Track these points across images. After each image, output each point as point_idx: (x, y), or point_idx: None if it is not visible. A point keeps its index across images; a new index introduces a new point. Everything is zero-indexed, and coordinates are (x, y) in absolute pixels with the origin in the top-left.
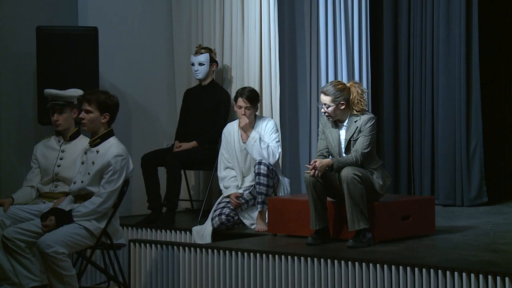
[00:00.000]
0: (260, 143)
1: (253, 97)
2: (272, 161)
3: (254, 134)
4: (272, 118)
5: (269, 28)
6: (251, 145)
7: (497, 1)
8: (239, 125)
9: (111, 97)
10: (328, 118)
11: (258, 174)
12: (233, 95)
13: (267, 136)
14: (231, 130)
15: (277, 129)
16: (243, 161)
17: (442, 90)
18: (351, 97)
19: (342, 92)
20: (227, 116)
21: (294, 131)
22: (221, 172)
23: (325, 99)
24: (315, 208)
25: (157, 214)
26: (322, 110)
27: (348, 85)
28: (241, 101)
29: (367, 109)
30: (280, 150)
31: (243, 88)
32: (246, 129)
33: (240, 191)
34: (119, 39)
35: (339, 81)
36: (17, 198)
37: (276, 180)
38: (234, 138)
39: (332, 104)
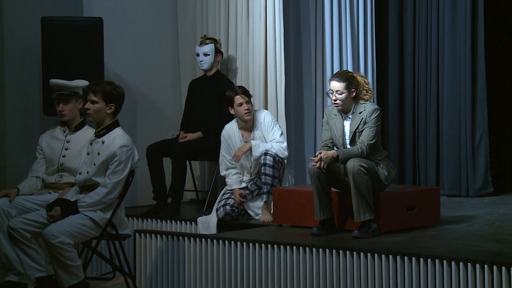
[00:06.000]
0: (263, 146)
1: (246, 90)
2: (282, 156)
3: (255, 143)
4: (277, 108)
5: (274, 18)
6: (257, 151)
7: None
8: (238, 125)
9: (117, 87)
10: (337, 107)
11: (264, 164)
12: (237, 85)
13: (269, 133)
14: (231, 132)
15: (274, 119)
16: (248, 159)
17: (447, 81)
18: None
19: (353, 80)
20: None
21: (299, 122)
22: (223, 171)
23: (337, 85)
24: (319, 199)
25: (163, 204)
26: (333, 97)
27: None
28: (240, 98)
29: (372, 100)
30: (285, 144)
31: (232, 89)
32: (251, 121)
33: (245, 181)
34: (124, 30)
35: (347, 70)
36: (23, 189)
37: (282, 171)
38: (235, 139)
39: (345, 91)
